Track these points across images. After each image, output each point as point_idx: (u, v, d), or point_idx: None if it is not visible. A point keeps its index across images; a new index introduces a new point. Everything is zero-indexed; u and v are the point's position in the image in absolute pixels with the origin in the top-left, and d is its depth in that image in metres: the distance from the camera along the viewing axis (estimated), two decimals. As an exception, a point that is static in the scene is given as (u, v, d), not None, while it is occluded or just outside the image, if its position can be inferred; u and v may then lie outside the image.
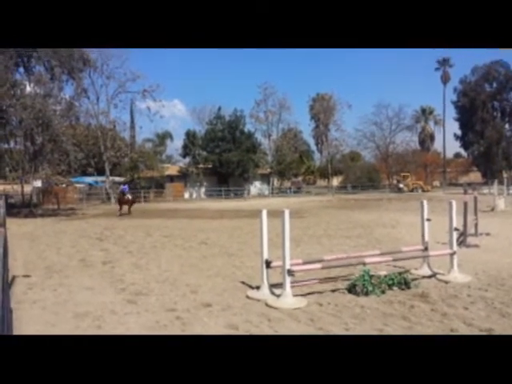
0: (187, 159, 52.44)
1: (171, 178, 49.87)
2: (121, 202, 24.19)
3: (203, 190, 51.20)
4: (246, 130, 51.71)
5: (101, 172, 43.78)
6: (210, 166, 49.76)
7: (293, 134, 57.68)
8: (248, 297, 6.26)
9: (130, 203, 24.58)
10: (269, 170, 54.54)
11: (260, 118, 55.30)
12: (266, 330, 4.88)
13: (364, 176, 58.09)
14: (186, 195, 49.72)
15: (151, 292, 6.68)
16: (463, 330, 4.72)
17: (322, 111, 60.52)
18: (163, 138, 60.99)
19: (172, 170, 51.66)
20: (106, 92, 42.20)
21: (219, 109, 52.17)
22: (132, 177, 45.34)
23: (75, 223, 19.86)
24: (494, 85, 58.61)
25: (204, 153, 50.33)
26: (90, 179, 45.69)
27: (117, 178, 45.76)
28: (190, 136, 51.29)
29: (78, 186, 43.10)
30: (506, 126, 58.68)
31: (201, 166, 50.30)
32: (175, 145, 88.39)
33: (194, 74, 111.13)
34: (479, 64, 59.34)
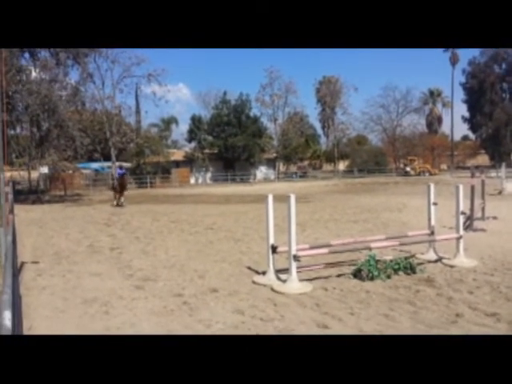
0: (193, 144, 52.40)
1: (177, 164, 49.89)
2: (122, 187, 20.41)
3: (209, 175, 51.23)
4: (251, 114, 51.47)
5: (107, 158, 43.90)
6: (215, 150, 49.68)
7: (299, 117, 57.25)
8: (254, 282, 6.31)
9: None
10: (275, 154, 54.37)
11: (266, 101, 54.89)
12: (271, 314, 4.93)
13: (371, 160, 57.70)
14: (192, 180, 49.80)
15: (159, 277, 6.75)
16: (468, 315, 4.74)
17: (328, 94, 59.99)
18: (168, 122, 60.78)
19: (178, 155, 51.64)
20: (112, 77, 42.08)
21: (225, 93, 51.89)
22: (138, 162, 45.42)
23: (82, 209, 20.00)
24: (503, 66, 57.74)
25: (210, 137, 50.22)
26: (96, 165, 45.83)
27: (123, 164, 45.88)
28: (196, 121, 51.15)
29: (84, 171, 43.25)
30: (515, 107, 57.89)
31: (206, 150, 50.22)
32: (181, 129, 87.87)
33: (199, 57, 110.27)
34: (488, 45, 58.25)
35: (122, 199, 20.31)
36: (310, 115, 65.66)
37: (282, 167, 58.89)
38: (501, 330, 4.31)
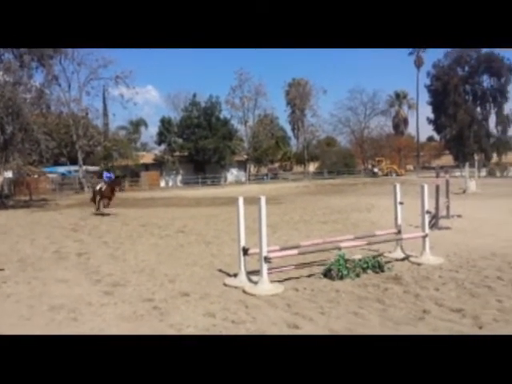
0: (162, 147, 51.92)
1: (146, 167, 49.31)
2: (113, 193, 18.10)
3: (179, 178, 50.86)
4: (221, 116, 51.48)
5: (73, 161, 43.00)
6: (185, 153, 49.37)
7: (269, 120, 57.56)
8: (226, 284, 6.29)
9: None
10: (245, 156, 54.45)
11: (236, 104, 54.97)
12: (243, 316, 4.92)
13: (340, 161, 58.57)
14: (162, 184, 49.32)
15: (128, 283, 6.64)
16: (435, 311, 4.87)
17: (297, 97, 60.61)
18: (137, 125, 59.97)
19: (147, 158, 51.04)
20: (78, 79, 41.41)
21: (194, 95, 51.73)
22: (106, 165, 44.65)
23: (48, 214, 19.49)
24: (466, 68, 59.49)
25: (180, 140, 49.89)
26: (62, 169, 44.83)
27: (90, 167, 45.03)
28: (165, 123, 50.71)
29: (50, 176, 42.20)
30: (478, 109, 59.76)
31: (176, 153, 49.85)
32: (150, 132, 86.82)
33: (167, 59, 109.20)
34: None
35: (102, 207, 18.09)
36: (280, 117, 66.09)
37: (252, 169, 59.06)
38: (466, 325, 4.43)
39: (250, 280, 6.20)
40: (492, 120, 58.87)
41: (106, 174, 19.65)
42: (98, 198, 18.52)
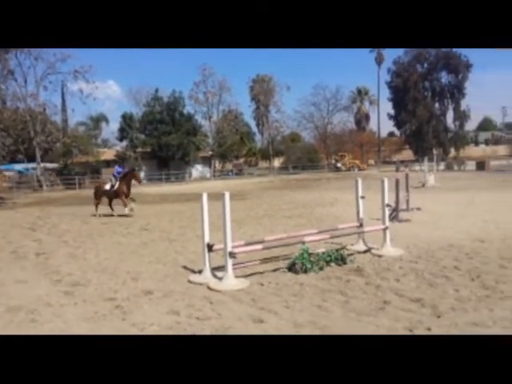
0: (124, 143, 50.88)
1: (108, 163, 48.18)
2: (129, 188, 15.71)
3: (142, 174, 49.97)
4: (185, 111, 50.76)
5: (31, 158, 41.54)
6: (148, 149, 48.53)
7: (233, 115, 57.26)
8: (190, 281, 6.24)
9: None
10: (210, 152, 54.07)
11: (200, 99, 54.31)
12: (208, 313, 4.90)
13: (304, 156, 59.09)
14: (125, 180, 48.29)
15: (89, 282, 6.48)
16: (395, 302, 4.99)
17: (262, 93, 60.64)
18: (98, 121, 58.56)
19: (108, 154, 49.90)
20: (35, 73, 39.84)
21: (156, 90, 50.80)
22: (65, 162, 43.42)
23: (5, 213, 18.78)
24: (425, 65, 61.05)
25: (142, 136, 48.99)
26: (19, 166, 43.26)
27: (48, 165, 43.65)
28: (127, 119, 49.70)
29: (6, 173, 40.63)
30: (436, 105, 61.47)
31: (139, 149, 48.95)
32: (111, 128, 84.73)
33: (129, 53, 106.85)
34: (410, 46, 61.13)
35: (133, 204, 15.62)
36: (244, 113, 65.73)
37: (217, 165, 58.76)
38: (425, 314, 4.57)
39: (215, 276, 6.18)
40: (450, 115, 60.62)
41: (117, 169, 16.68)
42: (101, 199, 16.27)
